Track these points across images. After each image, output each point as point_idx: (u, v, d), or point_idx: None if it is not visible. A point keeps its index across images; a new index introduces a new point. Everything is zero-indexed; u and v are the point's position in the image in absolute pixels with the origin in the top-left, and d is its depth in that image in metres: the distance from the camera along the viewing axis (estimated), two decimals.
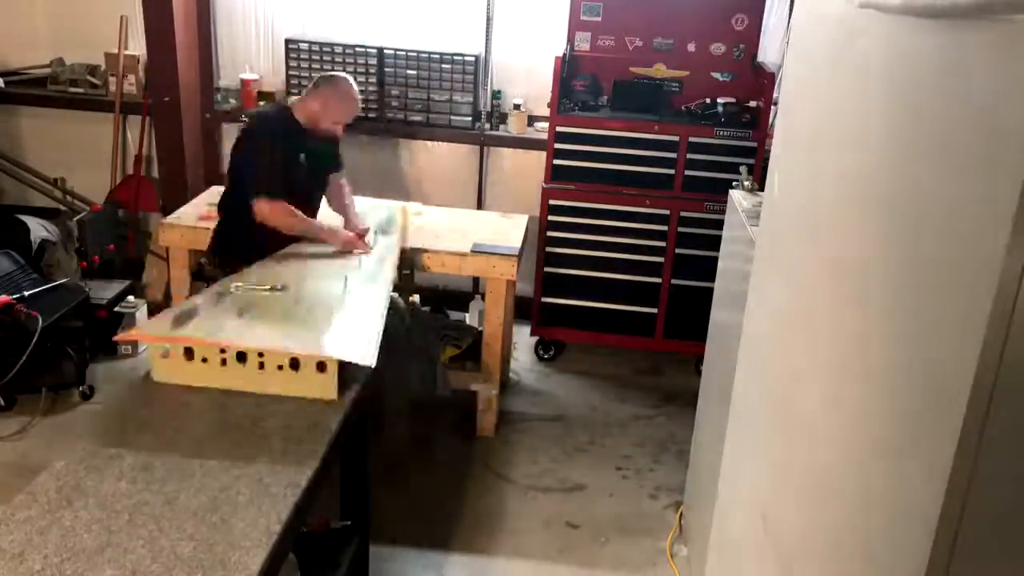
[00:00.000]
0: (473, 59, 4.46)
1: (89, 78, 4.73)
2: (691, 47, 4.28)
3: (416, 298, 3.99)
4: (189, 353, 2.36)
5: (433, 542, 3.15)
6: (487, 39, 4.54)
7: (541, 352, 4.55)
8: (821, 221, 1.65)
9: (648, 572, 3.11)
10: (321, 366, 2.34)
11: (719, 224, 3.07)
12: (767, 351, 2.03)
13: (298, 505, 1.92)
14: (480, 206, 4.74)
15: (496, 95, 4.62)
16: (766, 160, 2.95)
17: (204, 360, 2.36)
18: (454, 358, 3.89)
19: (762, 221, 2.28)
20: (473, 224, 4.01)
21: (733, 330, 2.48)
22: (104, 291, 4.21)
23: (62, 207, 4.90)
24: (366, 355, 2.41)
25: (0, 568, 1.66)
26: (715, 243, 3.13)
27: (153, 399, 2.30)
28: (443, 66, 4.48)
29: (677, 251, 4.25)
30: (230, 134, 4.81)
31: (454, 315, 4.52)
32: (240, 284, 2.81)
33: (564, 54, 4.16)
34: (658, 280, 4.31)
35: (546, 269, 4.35)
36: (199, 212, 3.88)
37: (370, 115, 4.60)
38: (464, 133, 4.58)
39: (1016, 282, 0.92)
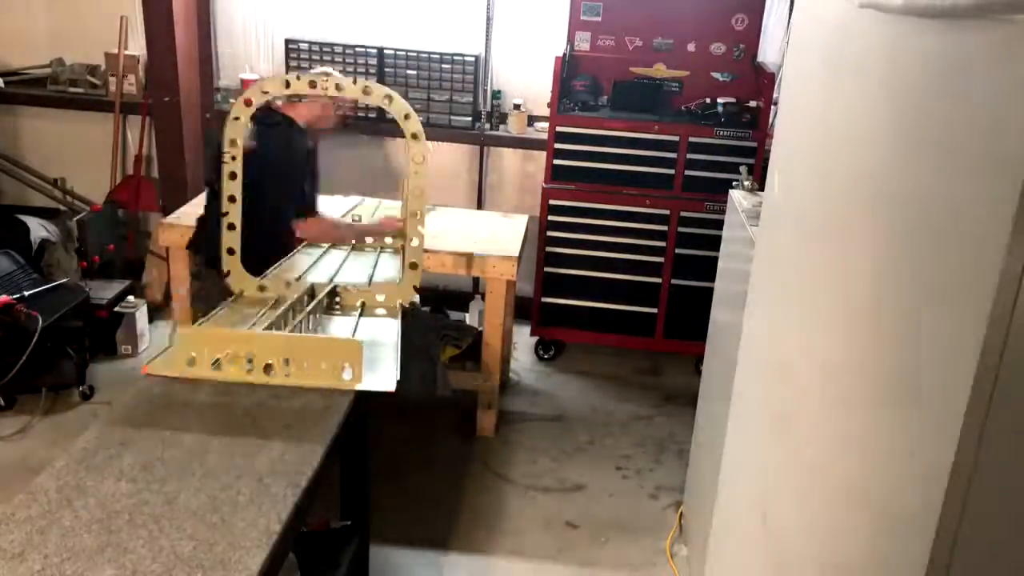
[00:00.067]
0: (473, 59, 4.47)
1: (89, 78, 4.73)
2: (691, 47, 4.28)
3: (416, 298, 3.99)
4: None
5: (433, 542, 3.15)
6: (487, 39, 4.54)
7: (541, 352, 4.55)
8: (821, 221, 1.65)
9: (648, 572, 3.11)
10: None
11: (719, 224, 3.08)
12: (767, 351, 2.03)
13: (298, 505, 1.92)
14: (480, 206, 4.74)
15: (496, 95, 4.62)
16: (766, 160, 2.95)
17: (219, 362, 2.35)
18: (454, 358, 3.89)
19: (762, 221, 2.28)
20: (473, 224, 4.01)
21: (733, 330, 2.48)
22: (104, 291, 4.21)
23: (62, 207, 4.90)
24: (386, 381, 2.39)
25: (0, 568, 1.66)
26: (715, 243, 3.13)
27: (154, 397, 2.29)
28: (443, 66, 4.48)
29: (677, 251, 4.26)
30: None
31: (454, 315, 4.52)
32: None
33: (564, 54, 4.17)
34: (658, 280, 4.31)
35: (546, 269, 4.35)
36: (199, 212, 3.88)
37: (370, 115, 4.61)
38: (464, 133, 4.58)
39: (1016, 282, 0.92)
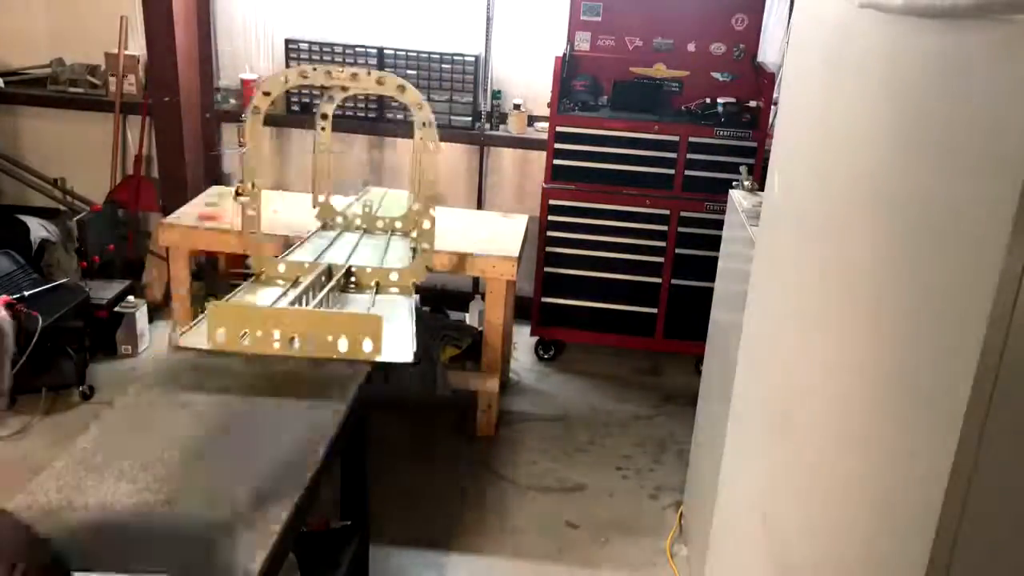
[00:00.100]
0: (473, 59, 4.47)
1: (89, 78, 4.73)
2: (691, 47, 4.28)
3: (416, 298, 4.00)
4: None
5: (433, 542, 3.15)
6: (487, 39, 4.54)
7: (541, 352, 4.55)
8: (821, 221, 1.65)
9: (648, 572, 3.11)
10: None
11: (719, 224, 3.08)
12: (767, 351, 2.03)
13: (298, 505, 1.93)
14: (480, 206, 4.74)
15: (496, 95, 4.62)
16: (766, 160, 2.95)
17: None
18: (454, 358, 3.89)
19: (762, 221, 2.28)
20: (473, 224, 4.01)
21: (733, 330, 2.48)
22: (104, 291, 4.21)
23: (62, 207, 4.90)
24: (404, 352, 2.54)
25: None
26: (715, 243, 3.13)
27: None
28: (443, 66, 4.48)
29: (677, 251, 4.26)
30: (230, 134, 4.82)
31: (454, 315, 4.52)
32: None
33: (564, 54, 4.17)
34: (658, 280, 4.31)
35: (546, 269, 4.35)
36: (199, 212, 3.89)
37: (370, 115, 4.61)
38: (464, 133, 4.58)
39: (1016, 282, 0.92)
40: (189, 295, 3.92)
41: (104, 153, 4.81)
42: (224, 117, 4.81)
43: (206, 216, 3.82)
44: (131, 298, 4.33)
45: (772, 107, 4.01)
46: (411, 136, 3.78)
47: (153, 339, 4.39)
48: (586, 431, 3.95)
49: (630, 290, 4.34)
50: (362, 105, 4.60)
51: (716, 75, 4.31)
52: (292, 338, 2.43)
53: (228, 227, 3.65)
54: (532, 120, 4.59)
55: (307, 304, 2.67)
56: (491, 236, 3.84)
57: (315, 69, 2.90)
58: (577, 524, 3.33)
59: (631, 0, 4.26)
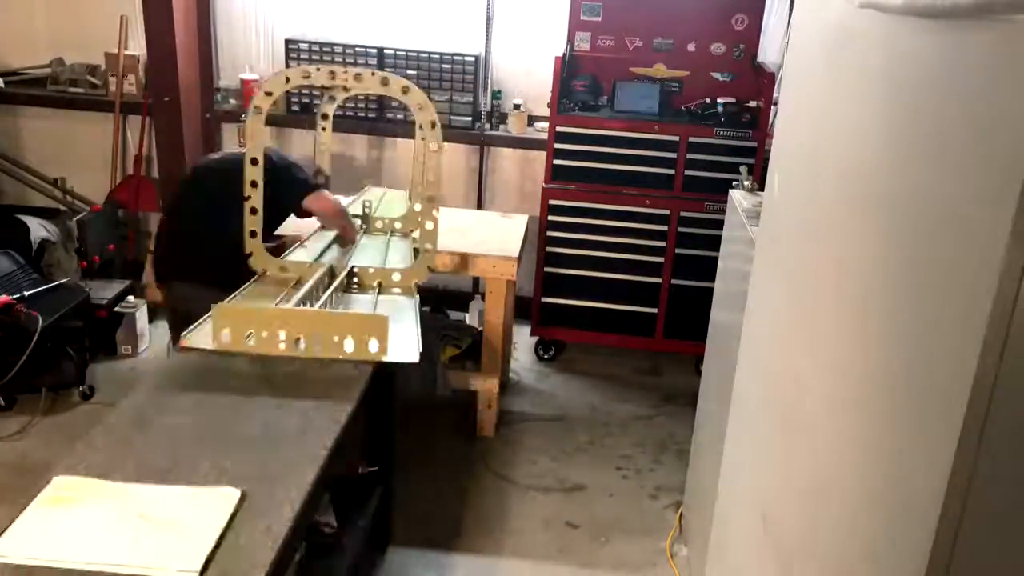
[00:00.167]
0: (473, 59, 4.47)
1: (89, 78, 4.73)
2: (691, 47, 4.28)
3: (416, 298, 4.01)
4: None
5: (433, 542, 3.15)
6: (487, 39, 4.54)
7: (541, 352, 4.55)
8: (821, 221, 1.65)
9: (648, 572, 3.11)
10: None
11: (719, 224, 3.07)
12: (767, 351, 2.03)
13: (339, 436, 2.11)
14: (480, 206, 4.74)
15: (496, 95, 4.62)
16: (766, 160, 2.95)
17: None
18: (454, 358, 3.89)
19: (762, 221, 2.28)
20: (473, 224, 4.01)
21: (733, 330, 2.48)
22: (104, 291, 4.21)
23: (62, 207, 4.90)
24: (410, 352, 2.57)
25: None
26: (715, 243, 3.13)
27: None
28: (443, 66, 4.48)
29: (677, 251, 4.26)
30: (230, 134, 4.82)
31: (454, 315, 4.52)
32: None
33: (564, 54, 4.17)
34: (658, 280, 4.31)
35: (546, 269, 4.35)
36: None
37: (370, 115, 4.61)
38: (464, 133, 4.58)
39: (1016, 282, 0.92)
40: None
41: (104, 153, 4.81)
42: (224, 117, 4.81)
43: None
44: (131, 298, 4.33)
45: (772, 107, 4.01)
46: (411, 136, 3.82)
47: (153, 339, 4.39)
48: (586, 431, 3.95)
49: (630, 290, 4.34)
50: (362, 105, 4.60)
51: (716, 75, 4.31)
52: (297, 339, 2.45)
53: None
54: (532, 120, 4.59)
55: (312, 305, 2.69)
56: (491, 236, 3.84)
57: (319, 69, 2.91)
58: (577, 524, 3.33)
59: (631, 0, 4.26)
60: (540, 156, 4.35)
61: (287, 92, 4.48)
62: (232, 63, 4.79)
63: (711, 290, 3.15)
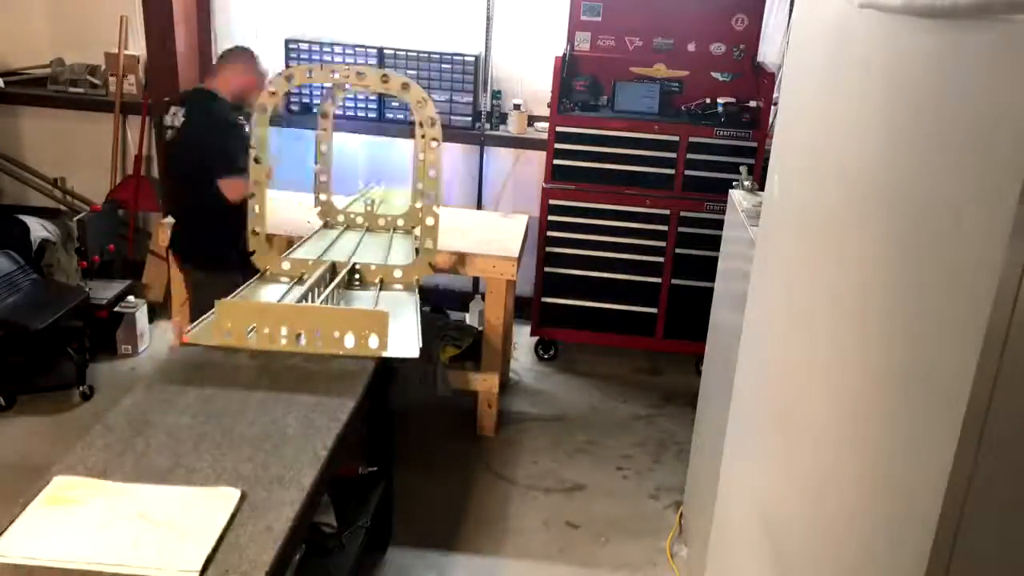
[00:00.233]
0: (473, 59, 4.47)
1: (89, 78, 4.73)
2: (691, 47, 4.28)
3: (417, 295, 4.03)
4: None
5: (434, 542, 3.15)
6: (487, 39, 4.54)
7: (541, 352, 4.55)
8: (821, 221, 1.65)
9: (648, 572, 3.11)
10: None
11: (719, 224, 3.08)
12: (767, 351, 2.03)
13: (340, 436, 2.12)
14: (480, 206, 4.74)
15: (496, 95, 4.62)
16: (766, 160, 2.95)
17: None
18: (454, 358, 3.89)
19: (762, 221, 2.28)
20: (473, 224, 4.01)
21: (733, 330, 2.48)
22: (104, 291, 4.21)
23: (62, 207, 4.90)
24: (410, 348, 2.61)
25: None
26: (715, 243, 3.13)
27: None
28: (443, 66, 4.48)
29: (677, 251, 4.26)
30: None
31: (454, 315, 4.52)
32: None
33: (564, 54, 4.17)
34: (658, 280, 4.31)
35: (546, 269, 4.35)
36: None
37: (370, 115, 4.61)
38: (464, 133, 4.58)
39: (1016, 282, 0.92)
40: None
41: (104, 153, 4.81)
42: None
43: None
44: (131, 298, 4.33)
45: (772, 107, 4.01)
46: (411, 136, 3.83)
47: (153, 339, 4.39)
48: (586, 431, 3.95)
49: (630, 290, 4.34)
50: (362, 105, 4.60)
51: (716, 75, 4.31)
52: (299, 334, 2.47)
53: None
54: (532, 120, 4.59)
55: (313, 301, 2.72)
56: (491, 236, 3.84)
57: (321, 68, 2.94)
58: (577, 524, 3.33)
59: (631, 0, 4.26)
60: (540, 156, 4.35)
61: (287, 92, 4.47)
62: None
63: (711, 290, 3.15)
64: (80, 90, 4.74)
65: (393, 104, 4.56)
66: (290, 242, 3.47)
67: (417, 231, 3.23)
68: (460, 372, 3.79)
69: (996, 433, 0.98)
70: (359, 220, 3.66)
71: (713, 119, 4.16)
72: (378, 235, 3.58)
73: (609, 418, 4.08)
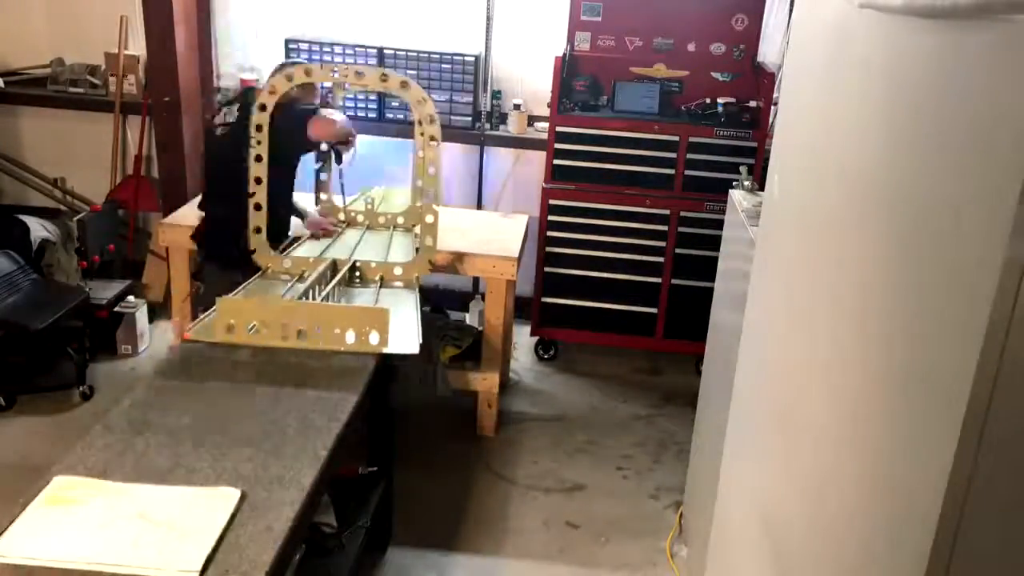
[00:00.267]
0: (473, 59, 4.47)
1: (89, 78, 4.73)
2: (691, 47, 4.28)
3: (417, 292, 4.04)
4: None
5: (434, 542, 3.15)
6: (487, 39, 4.54)
7: (541, 352, 4.55)
8: (821, 221, 1.65)
9: (648, 572, 3.11)
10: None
11: (719, 224, 3.08)
12: (767, 351, 2.03)
13: (340, 436, 2.13)
14: (480, 206, 4.74)
15: (496, 95, 4.62)
16: (766, 160, 2.95)
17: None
18: (454, 358, 3.89)
19: (762, 221, 2.28)
20: (473, 224, 4.01)
21: (733, 330, 2.48)
22: (104, 291, 4.21)
23: (62, 207, 4.90)
24: (410, 344, 2.62)
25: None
26: (715, 243, 3.13)
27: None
28: (443, 66, 4.48)
29: (677, 251, 4.26)
30: None
31: (454, 315, 4.52)
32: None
33: (564, 54, 4.16)
34: (658, 280, 4.31)
35: (546, 269, 4.35)
36: (199, 212, 3.88)
37: (370, 115, 4.61)
38: (464, 133, 4.58)
39: (1016, 282, 0.92)
40: (189, 295, 3.92)
41: (104, 153, 4.81)
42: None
43: None
44: (131, 298, 4.33)
45: (772, 107, 4.01)
46: (411, 136, 3.84)
47: (153, 339, 4.39)
48: (586, 431, 3.95)
49: (630, 290, 4.34)
50: (363, 105, 4.60)
51: (716, 75, 4.31)
52: (300, 331, 2.49)
53: None
54: (532, 120, 4.58)
55: (314, 298, 2.73)
56: (491, 236, 3.84)
57: (321, 67, 2.95)
58: (577, 524, 3.33)
59: (631, 0, 4.26)
60: (540, 156, 4.35)
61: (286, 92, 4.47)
62: (232, 63, 4.79)
63: (711, 290, 3.15)
64: (80, 90, 4.74)
65: (393, 104, 4.56)
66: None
67: (417, 229, 3.24)
68: (460, 372, 3.79)
69: (996, 433, 0.98)
70: (359, 218, 3.67)
71: (713, 119, 4.16)
72: (378, 233, 3.59)
73: (609, 418, 4.07)
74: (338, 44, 4.51)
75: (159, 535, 1.69)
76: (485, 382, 3.79)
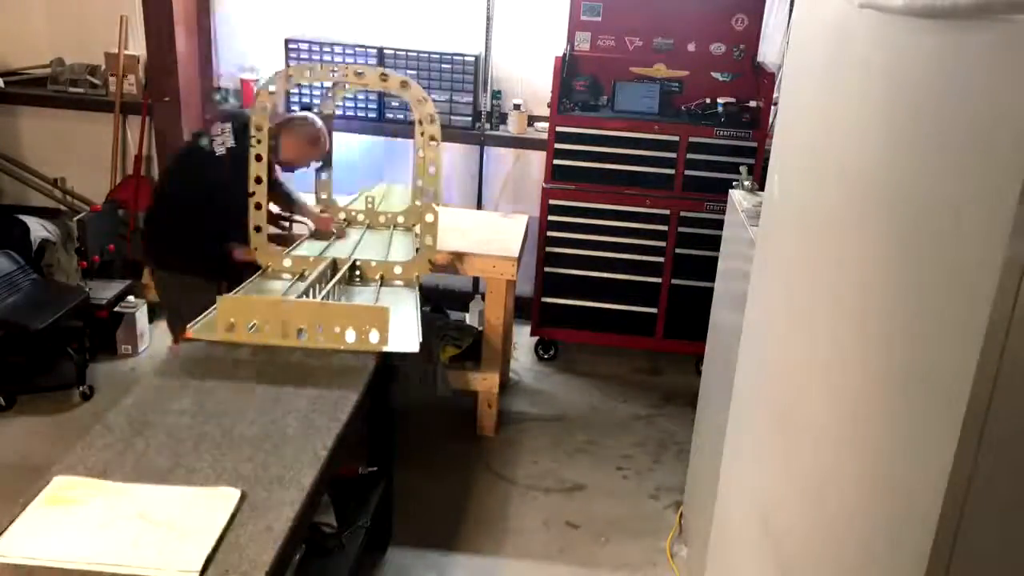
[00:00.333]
0: (473, 59, 4.47)
1: (89, 78, 4.73)
2: (691, 47, 4.28)
3: (417, 291, 4.04)
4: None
5: (434, 542, 3.15)
6: (487, 39, 4.54)
7: (541, 352, 4.55)
8: (821, 221, 1.65)
9: (648, 572, 3.11)
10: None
11: (719, 224, 3.07)
12: (767, 351, 2.03)
13: (340, 436, 2.12)
14: (480, 206, 4.74)
15: (496, 95, 4.62)
16: (766, 160, 2.95)
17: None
18: (454, 358, 3.89)
19: (762, 221, 2.28)
20: (473, 224, 4.01)
21: (733, 330, 2.48)
22: (104, 291, 4.21)
23: (62, 207, 4.90)
24: (410, 343, 2.62)
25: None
26: (715, 243, 3.13)
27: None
28: (443, 66, 4.48)
29: (677, 251, 4.26)
30: None
31: (454, 315, 4.52)
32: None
33: (564, 54, 4.16)
34: (658, 280, 4.31)
35: (546, 269, 4.35)
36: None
37: (370, 115, 4.61)
38: (464, 133, 4.58)
39: (1016, 282, 0.92)
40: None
41: (104, 153, 4.81)
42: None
43: None
44: (131, 298, 4.33)
45: (772, 107, 4.01)
46: (411, 136, 3.84)
47: (153, 339, 4.39)
48: (586, 431, 3.95)
49: (630, 290, 4.34)
50: (362, 105, 4.60)
51: (716, 75, 4.31)
52: (300, 329, 2.49)
53: None
54: (532, 120, 4.58)
55: (315, 297, 2.75)
56: (491, 236, 3.84)
57: (321, 67, 2.96)
58: (577, 524, 3.33)
59: (631, 0, 4.26)
60: (540, 156, 4.35)
61: (287, 92, 4.48)
62: (232, 63, 4.79)
63: (711, 290, 3.15)
64: (80, 90, 4.74)
65: (393, 104, 4.56)
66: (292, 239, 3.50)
67: (417, 228, 3.25)
68: (460, 372, 3.79)
69: (996, 433, 0.98)
70: (360, 218, 3.67)
71: (713, 119, 4.16)
72: (378, 232, 3.60)
73: (609, 418, 4.07)
74: (338, 44, 4.51)
75: (159, 535, 1.69)
76: (485, 382, 3.79)
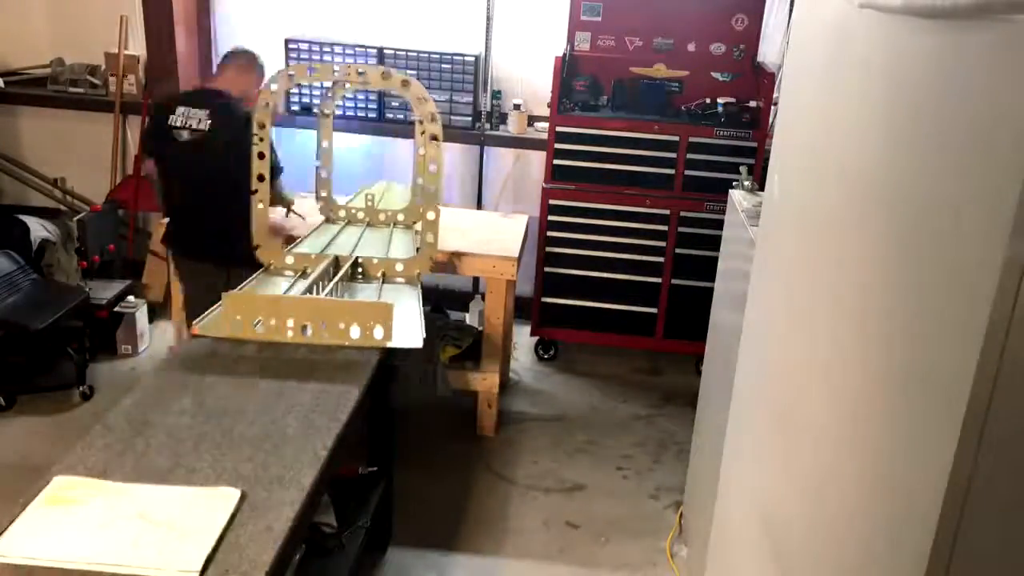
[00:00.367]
0: (473, 59, 4.47)
1: (89, 78, 4.73)
2: (691, 47, 4.28)
3: (419, 288, 4.05)
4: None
5: (434, 542, 3.15)
6: (487, 39, 4.54)
7: (541, 352, 4.55)
8: (821, 221, 1.65)
9: (648, 572, 3.11)
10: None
11: (719, 224, 3.07)
12: (767, 351, 2.03)
13: (340, 436, 2.12)
14: (480, 206, 4.74)
15: (496, 95, 4.62)
16: (766, 160, 2.95)
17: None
18: (454, 358, 3.89)
19: (762, 221, 2.28)
20: (473, 224, 4.01)
21: (733, 330, 2.48)
22: (104, 291, 4.21)
23: (62, 207, 4.90)
24: (414, 338, 2.63)
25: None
26: (715, 243, 3.13)
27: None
28: (443, 66, 4.48)
29: (677, 251, 4.26)
30: None
31: (454, 315, 4.52)
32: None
33: (564, 54, 4.17)
34: (658, 280, 4.31)
35: (546, 269, 4.35)
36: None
37: (370, 115, 4.62)
38: (464, 133, 4.58)
39: (1016, 282, 0.92)
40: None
41: (104, 153, 4.81)
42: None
43: None
44: (131, 298, 4.33)
45: (772, 107, 4.01)
46: (411, 136, 3.85)
47: (153, 339, 4.39)
48: (586, 431, 3.95)
49: (630, 290, 4.34)
50: (363, 105, 4.61)
51: (716, 75, 4.31)
52: (304, 326, 2.51)
53: None
54: (532, 120, 4.59)
55: (318, 293, 2.75)
56: (491, 236, 3.84)
57: (323, 66, 2.97)
58: (577, 524, 3.33)
59: (631, 0, 4.26)
60: (540, 156, 4.35)
61: (287, 92, 4.48)
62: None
63: (711, 290, 3.15)
64: (80, 90, 4.74)
65: (393, 104, 4.56)
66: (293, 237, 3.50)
67: (418, 226, 3.26)
68: (460, 372, 3.79)
69: (996, 433, 0.98)
70: (360, 215, 3.68)
71: (713, 119, 4.16)
72: (378, 230, 3.60)
73: (609, 418, 4.08)
74: (338, 44, 4.51)
75: (159, 535, 1.69)
76: (485, 382, 3.79)
